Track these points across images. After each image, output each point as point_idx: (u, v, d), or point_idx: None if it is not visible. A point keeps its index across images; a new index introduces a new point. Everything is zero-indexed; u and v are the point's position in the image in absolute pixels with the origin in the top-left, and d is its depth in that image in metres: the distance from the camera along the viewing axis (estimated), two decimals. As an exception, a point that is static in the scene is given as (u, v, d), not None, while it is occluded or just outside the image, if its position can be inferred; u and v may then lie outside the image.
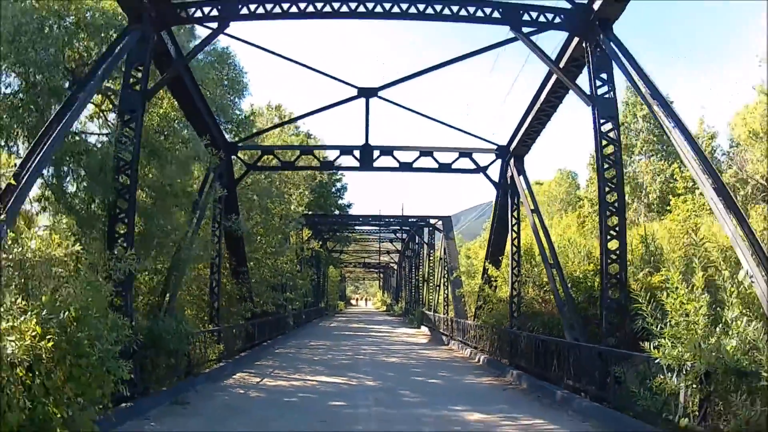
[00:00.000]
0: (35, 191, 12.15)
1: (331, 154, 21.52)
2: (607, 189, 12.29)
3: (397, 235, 50.65)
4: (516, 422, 10.22)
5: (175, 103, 14.81)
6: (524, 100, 16.50)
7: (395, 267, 72.69)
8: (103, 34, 12.67)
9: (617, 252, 11.93)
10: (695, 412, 7.62)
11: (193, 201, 15.44)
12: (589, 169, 44.94)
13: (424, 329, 37.03)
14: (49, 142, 9.18)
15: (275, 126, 25.63)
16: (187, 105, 14.93)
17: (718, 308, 7.84)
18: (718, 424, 7.32)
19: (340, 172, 38.04)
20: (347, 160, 18.64)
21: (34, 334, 6.53)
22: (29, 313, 6.74)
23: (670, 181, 40.18)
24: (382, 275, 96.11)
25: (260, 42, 19.49)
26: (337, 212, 41.22)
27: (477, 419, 10.48)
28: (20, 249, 7.23)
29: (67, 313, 7.06)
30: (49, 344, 6.67)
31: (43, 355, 6.71)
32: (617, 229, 12.10)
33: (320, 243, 44.11)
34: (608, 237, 11.97)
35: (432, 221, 38.31)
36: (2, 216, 7.80)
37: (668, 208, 37.73)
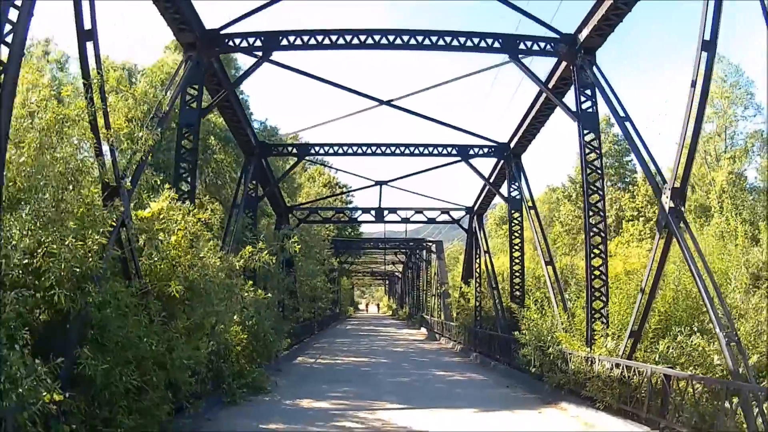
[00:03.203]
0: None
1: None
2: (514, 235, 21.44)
3: (401, 250, 59.97)
4: (463, 375, 19.45)
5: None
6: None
7: (399, 275, 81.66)
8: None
9: (518, 275, 21.09)
10: (538, 366, 16.53)
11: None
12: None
13: (423, 330, 46.17)
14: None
15: (323, 197, 35.30)
16: (234, 123, 19.25)
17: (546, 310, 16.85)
18: (548, 375, 16.00)
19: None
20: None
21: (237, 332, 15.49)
22: (238, 324, 15.76)
23: (623, 209, 49.22)
24: (387, 282, 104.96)
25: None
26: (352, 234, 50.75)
27: (442, 374, 19.72)
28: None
29: (252, 320, 16.18)
30: (244, 336, 15.69)
31: (242, 342, 15.71)
32: (519, 256, 21.22)
33: (337, 259, 53.40)
34: (514, 263, 21.13)
35: (428, 243, 47.62)
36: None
37: (621, 231, 47.06)
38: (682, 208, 10.66)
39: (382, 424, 11.61)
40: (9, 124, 6.98)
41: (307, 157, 23.22)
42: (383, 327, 56.00)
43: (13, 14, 7.23)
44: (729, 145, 41.43)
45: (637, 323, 11.68)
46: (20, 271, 7.27)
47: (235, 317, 14.42)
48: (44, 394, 6.18)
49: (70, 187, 8.35)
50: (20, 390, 5.95)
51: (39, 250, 7.50)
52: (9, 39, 7.12)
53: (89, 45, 9.01)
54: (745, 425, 8.26)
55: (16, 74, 7.13)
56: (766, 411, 7.86)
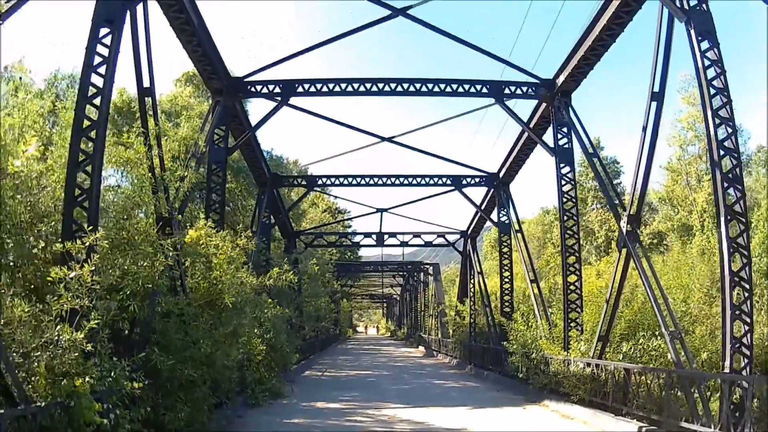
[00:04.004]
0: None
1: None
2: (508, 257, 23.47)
3: (399, 273, 61.89)
4: (457, 383, 21.36)
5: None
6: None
7: (397, 298, 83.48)
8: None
9: (507, 293, 23.08)
10: (524, 371, 18.47)
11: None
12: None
13: (421, 348, 47.97)
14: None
15: (327, 224, 37.37)
16: (252, 159, 21.79)
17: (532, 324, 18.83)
18: (537, 379, 18.00)
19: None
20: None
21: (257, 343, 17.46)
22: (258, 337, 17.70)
23: (612, 230, 51.21)
24: (386, 304, 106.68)
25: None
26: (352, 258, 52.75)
27: (439, 383, 21.62)
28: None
29: (270, 334, 18.11)
30: (263, 348, 17.63)
31: (262, 352, 17.65)
32: (509, 276, 23.23)
33: (338, 282, 55.30)
34: (504, 282, 23.13)
35: (425, 266, 49.62)
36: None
37: (610, 250, 48.97)
38: (638, 231, 12.71)
39: (388, 418, 13.54)
40: (101, 174, 9.02)
41: (315, 188, 25.43)
42: (383, 346, 57.82)
43: (97, 80, 9.29)
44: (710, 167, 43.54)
45: (605, 328, 13.68)
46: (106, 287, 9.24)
47: (255, 330, 16.32)
48: (126, 383, 8.06)
49: (127, 217, 10.32)
50: (110, 378, 7.85)
51: (116, 270, 9.46)
52: (97, 101, 9.20)
53: (148, 100, 11.07)
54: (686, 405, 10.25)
55: (104, 132, 9.19)
56: (701, 392, 9.83)
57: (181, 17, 12.70)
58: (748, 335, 9.39)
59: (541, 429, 12.37)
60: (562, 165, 16.59)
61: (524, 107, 18.36)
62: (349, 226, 35.42)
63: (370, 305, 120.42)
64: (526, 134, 19.40)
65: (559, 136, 16.73)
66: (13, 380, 6.39)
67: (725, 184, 9.48)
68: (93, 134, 8.82)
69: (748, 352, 9.42)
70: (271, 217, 24.18)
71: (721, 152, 9.58)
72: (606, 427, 11.74)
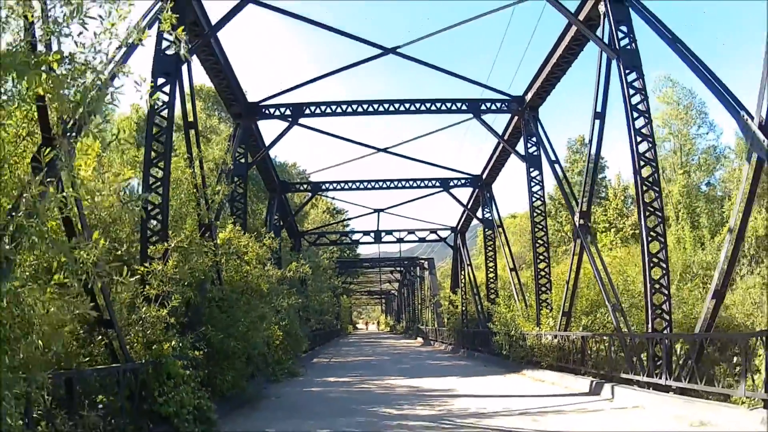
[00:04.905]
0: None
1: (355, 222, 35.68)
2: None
3: (396, 269, 64.73)
4: (450, 362, 24.19)
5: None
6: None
7: (396, 293, 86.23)
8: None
9: (492, 281, 25.89)
10: (507, 348, 21.24)
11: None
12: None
13: (419, 339, 50.82)
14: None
15: (329, 224, 40.12)
16: (265, 171, 24.97)
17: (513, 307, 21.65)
18: (515, 352, 20.79)
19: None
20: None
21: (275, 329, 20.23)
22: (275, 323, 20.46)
23: (596, 222, 53.98)
24: (384, 300, 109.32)
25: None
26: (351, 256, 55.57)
27: (434, 363, 24.48)
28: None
29: (285, 321, 20.88)
30: (280, 334, 20.39)
31: (279, 337, 20.41)
32: (493, 266, 26.03)
33: (339, 279, 58.11)
34: (489, 272, 25.94)
35: (421, 261, 52.47)
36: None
37: (595, 242, 51.69)
38: (589, 224, 15.50)
39: (389, 385, 16.34)
40: (168, 193, 11.74)
41: (318, 192, 28.35)
42: (383, 339, 60.81)
43: (161, 120, 12.01)
44: (684, 161, 46.42)
45: (567, 306, 16.47)
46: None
47: (273, 318, 19.08)
48: (190, 351, 10.75)
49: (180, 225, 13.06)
50: (179, 347, 10.57)
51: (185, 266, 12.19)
52: (163, 138, 11.91)
53: (192, 131, 13.79)
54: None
55: (169, 162, 11.91)
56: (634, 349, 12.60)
57: (212, 59, 15.48)
58: (666, 303, 12.16)
59: (515, 388, 15.17)
60: (531, 169, 19.59)
61: (502, 118, 20.63)
62: (347, 225, 38.42)
63: (369, 302, 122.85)
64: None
65: (529, 145, 19.61)
66: (121, 345, 9.08)
67: (644, 187, 12.27)
68: (161, 164, 11.54)
69: (667, 317, 12.20)
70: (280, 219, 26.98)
71: (642, 162, 12.38)
72: (568, 384, 14.55)
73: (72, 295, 6.52)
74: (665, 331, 12.09)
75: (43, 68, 5.64)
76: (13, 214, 5.54)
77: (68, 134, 6.80)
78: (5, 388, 5.01)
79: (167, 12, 6.68)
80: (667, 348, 11.35)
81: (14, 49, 5.86)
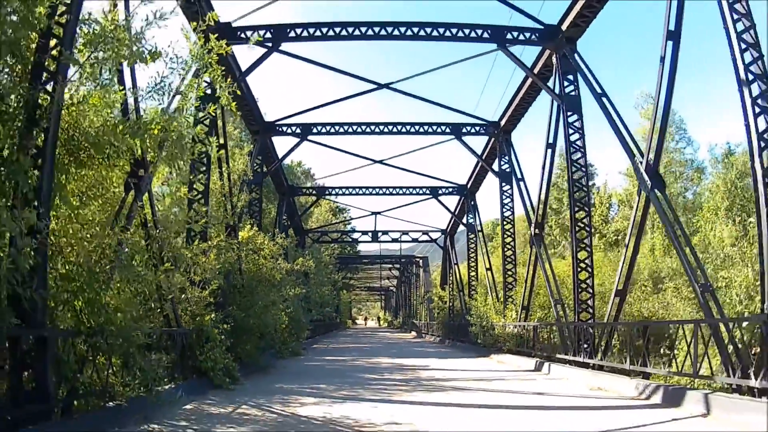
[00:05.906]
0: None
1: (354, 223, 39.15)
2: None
3: (395, 266, 68.31)
4: (434, 350, 27.65)
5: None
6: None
7: (394, 290, 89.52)
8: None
9: (474, 279, 29.28)
10: (481, 337, 24.61)
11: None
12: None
13: (413, 333, 54.31)
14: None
15: (337, 232, 43.68)
16: (276, 176, 28.44)
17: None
18: (486, 340, 24.24)
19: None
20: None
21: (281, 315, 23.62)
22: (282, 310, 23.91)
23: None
24: (383, 297, 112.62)
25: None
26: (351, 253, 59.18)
27: (420, 349, 27.95)
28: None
29: (291, 309, 24.32)
30: (286, 319, 23.80)
31: (284, 322, 23.81)
32: (475, 266, 29.43)
33: (339, 274, 61.64)
34: (471, 271, 29.34)
35: (417, 259, 55.95)
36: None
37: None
38: (543, 234, 18.90)
39: (377, 362, 19.78)
40: (209, 203, 15.17)
41: (324, 196, 31.97)
42: (379, 333, 64.47)
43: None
44: (663, 173, 49.53)
45: (525, 301, 19.89)
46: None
47: (280, 305, 22.52)
48: (220, 325, 14.13)
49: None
50: (214, 320, 13.97)
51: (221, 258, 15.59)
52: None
53: (221, 152, 17.18)
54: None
55: (208, 183, 15.32)
56: (569, 334, 15.99)
57: (238, 94, 18.88)
58: (591, 299, 15.54)
59: (477, 366, 18.61)
60: (503, 184, 22.83)
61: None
62: (349, 223, 42.48)
63: (369, 298, 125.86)
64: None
65: (502, 163, 22.79)
66: (175, 316, 12.48)
67: (576, 207, 15.68)
68: (203, 180, 15.00)
69: (591, 311, 15.56)
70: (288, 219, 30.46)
71: (576, 187, 15.78)
72: (520, 364, 18.00)
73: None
74: (590, 321, 15.50)
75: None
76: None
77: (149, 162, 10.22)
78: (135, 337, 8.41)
79: (214, 67, 9.75)
80: (589, 335, 14.73)
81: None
